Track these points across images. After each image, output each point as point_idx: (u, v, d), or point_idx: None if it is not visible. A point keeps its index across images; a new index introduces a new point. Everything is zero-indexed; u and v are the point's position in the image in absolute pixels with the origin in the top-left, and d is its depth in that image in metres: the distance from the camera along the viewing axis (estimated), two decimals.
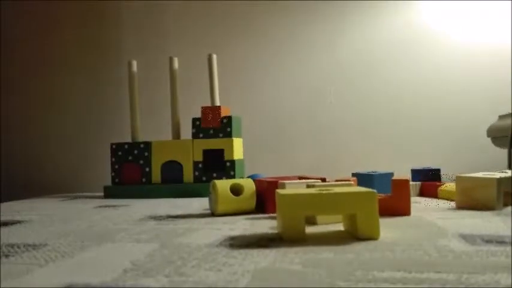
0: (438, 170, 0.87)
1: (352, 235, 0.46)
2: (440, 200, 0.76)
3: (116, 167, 1.04)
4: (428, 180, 0.86)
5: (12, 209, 0.82)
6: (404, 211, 0.59)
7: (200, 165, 0.99)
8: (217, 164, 0.98)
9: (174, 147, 1.01)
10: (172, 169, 1.01)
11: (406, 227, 0.51)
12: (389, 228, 0.49)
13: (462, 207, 0.64)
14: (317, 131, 1.29)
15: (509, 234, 0.44)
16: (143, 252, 0.41)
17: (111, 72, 1.37)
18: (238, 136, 1.02)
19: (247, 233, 0.49)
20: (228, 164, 0.98)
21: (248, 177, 0.94)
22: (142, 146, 1.03)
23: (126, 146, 1.03)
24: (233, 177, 0.97)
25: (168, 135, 1.06)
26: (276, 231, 0.50)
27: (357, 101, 1.28)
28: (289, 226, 0.45)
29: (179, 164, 1.00)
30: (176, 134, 1.04)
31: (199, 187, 0.96)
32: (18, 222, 0.63)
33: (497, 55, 1.22)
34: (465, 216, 0.57)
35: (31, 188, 1.34)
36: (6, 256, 0.41)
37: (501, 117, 1.01)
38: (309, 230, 0.49)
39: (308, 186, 0.58)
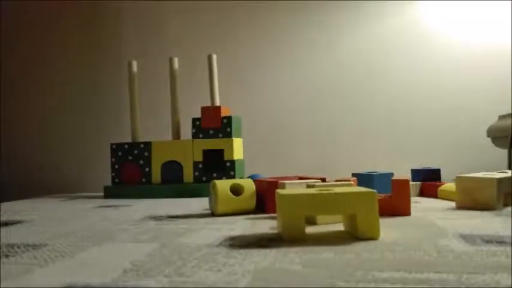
0: (438, 170, 0.87)
1: (352, 235, 0.46)
2: (440, 200, 0.76)
3: (116, 167, 1.04)
4: (428, 180, 0.86)
5: (12, 209, 0.82)
6: (404, 211, 0.59)
7: (200, 166, 0.99)
8: (217, 164, 0.98)
9: (174, 147, 1.01)
10: (172, 169, 1.01)
11: (406, 227, 0.51)
12: (389, 228, 0.49)
13: (462, 207, 0.64)
14: (317, 131, 1.29)
15: (509, 234, 0.44)
16: (143, 253, 0.41)
17: (111, 72, 1.37)
18: (238, 136, 1.02)
19: (247, 233, 0.49)
20: (228, 164, 0.98)
21: (248, 177, 0.94)
22: (142, 146, 1.03)
23: (126, 146, 1.03)
24: (233, 177, 0.97)
25: (168, 135, 1.06)
26: (276, 231, 0.50)
27: (357, 101, 1.28)
28: (289, 226, 0.45)
29: (179, 164, 1.00)
30: (176, 134, 1.04)
31: (199, 187, 0.96)
32: (18, 222, 0.63)
33: (497, 55, 1.22)
34: (465, 217, 0.57)
35: (31, 188, 1.34)
36: (6, 256, 0.41)
37: (501, 117, 1.00)
38: (309, 230, 0.49)
39: (308, 186, 0.58)
